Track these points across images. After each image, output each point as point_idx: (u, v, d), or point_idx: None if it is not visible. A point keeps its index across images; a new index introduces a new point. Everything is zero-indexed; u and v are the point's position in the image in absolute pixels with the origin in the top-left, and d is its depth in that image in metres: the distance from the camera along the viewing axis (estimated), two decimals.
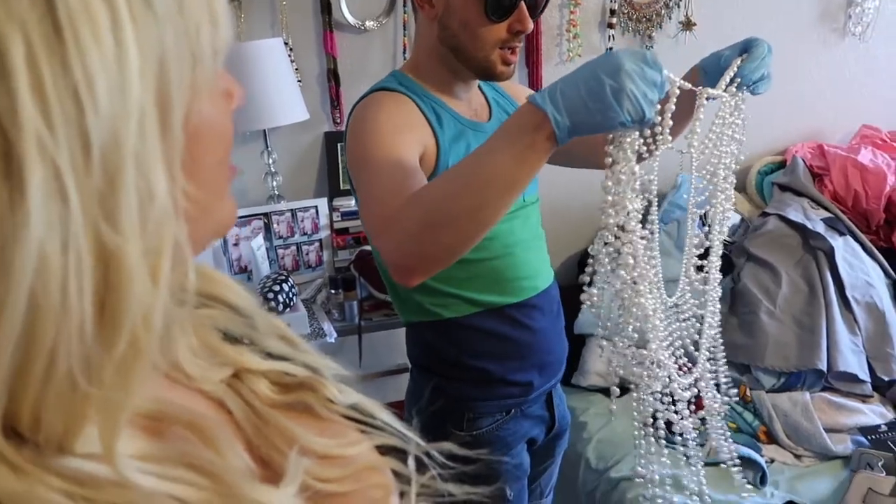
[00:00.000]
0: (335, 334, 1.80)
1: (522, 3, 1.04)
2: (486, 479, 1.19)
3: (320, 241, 2.24)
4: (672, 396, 0.94)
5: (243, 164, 2.26)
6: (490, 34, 1.05)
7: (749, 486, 1.72)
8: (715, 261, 1.00)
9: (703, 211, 1.03)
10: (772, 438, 1.91)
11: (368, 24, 2.23)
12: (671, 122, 0.80)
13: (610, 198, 0.79)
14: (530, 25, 1.06)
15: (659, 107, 0.74)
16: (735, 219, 2.36)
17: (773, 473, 1.77)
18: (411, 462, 0.44)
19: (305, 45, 2.24)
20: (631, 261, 0.82)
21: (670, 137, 0.81)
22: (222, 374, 0.41)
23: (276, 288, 1.77)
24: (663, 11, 2.43)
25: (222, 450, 0.33)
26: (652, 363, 0.90)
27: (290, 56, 2.18)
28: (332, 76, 2.26)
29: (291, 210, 2.21)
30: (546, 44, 2.37)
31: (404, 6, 2.24)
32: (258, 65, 2.00)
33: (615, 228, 0.81)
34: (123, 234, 0.25)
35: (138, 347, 0.27)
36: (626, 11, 2.41)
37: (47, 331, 0.24)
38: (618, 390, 0.92)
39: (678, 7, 2.43)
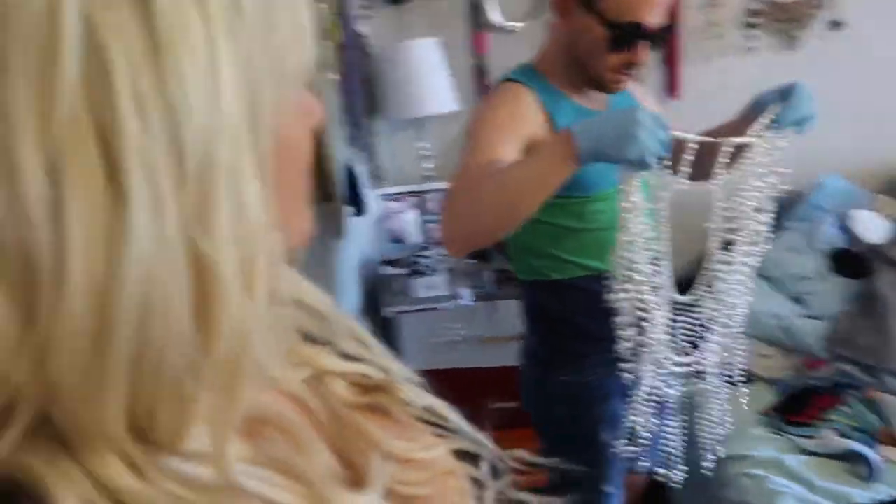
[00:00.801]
0: (472, 298, 2.05)
1: (640, 42, 1.20)
2: (587, 437, 1.34)
3: None
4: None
5: (399, 148, 2.57)
6: (608, 60, 1.22)
7: (856, 480, 1.76)
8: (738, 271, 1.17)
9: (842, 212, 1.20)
10: (893, 440, 1.92)
11: (517, 24, 2.45)
12: (689, 169, 1.04)
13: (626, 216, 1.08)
14: (644, 60, 1.22)
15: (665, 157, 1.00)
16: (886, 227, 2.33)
17: (888, 473, 1.79)
18: (485, 468, 0.45)
19: (457, 44, 2.50)
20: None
21: (686, 182, 1.06)
22: (302, 375, 0.42)
23: (423, 256, 2.04)
24: (811, 11, 2.42)
25: (311, 454, 0.34)
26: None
27: (442, 54, 2.45)
28: (479, 72, 2.51)
29: (443, 190, 2.48)
30: (686, 43, 2.46)
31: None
32: (414, 61, 2.29)
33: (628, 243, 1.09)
34: (217, 245, 0.26)
35: (237, 355, 0.27)
36: (769, 11, 2.43)
37: (156, 332, 0.25)
38: None
39: (826, 7, 2.42)
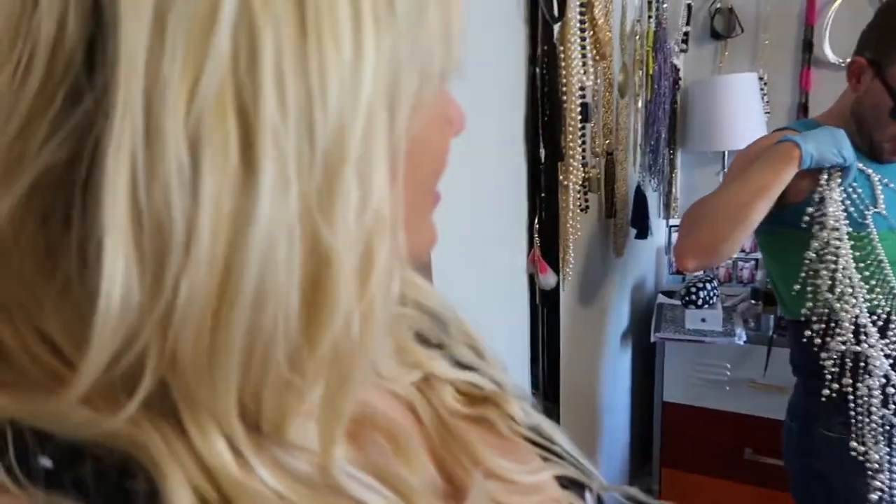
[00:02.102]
0: (745, 338, 1.97)
1: None
2: (844, 496, 1.26)
3: (756, 261, 2.39)
4: None
5: (699, 181, 2.55)
6: (889, 127, 1.21)
7: None
8: None
9: None
10: None
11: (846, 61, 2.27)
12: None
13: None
14: None
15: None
16: None
17: None
18: (590, 499, 0.42)
19: (781, 79, 2.40)
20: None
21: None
22: (412, 377, 0.41)
23: (701, 286, 2.02)
24: None
25: (413, 463, 0.33)
26: None
27: (762, 89, 2.37)
28: (803, 110, 2.37)
29: None
30: None
31: None
32: (729, 94, 2.26)
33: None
34: (336, 234, 0.25)
35: (347, 351, 0.27)
36: None
37: (267, 317, 0.25)
38: None
39: None
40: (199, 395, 0.26)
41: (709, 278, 2.06)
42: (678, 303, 2.13)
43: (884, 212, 1.25)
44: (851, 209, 1.24)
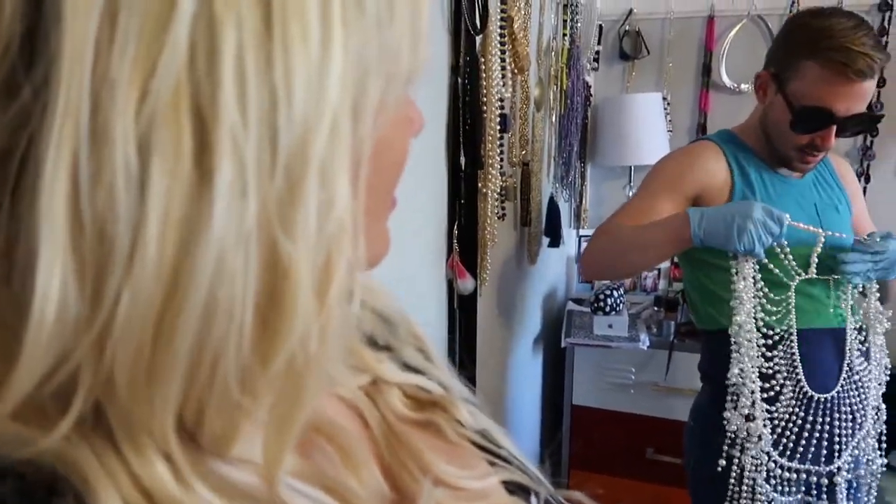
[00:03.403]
0: (648, 343, 2.08)
1: (833, 127, 1.22)
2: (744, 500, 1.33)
3: (660, 270, 2.52)
4: None
5: (607, 193, 2.68)
6: (791, 138, 1.27)
7: None
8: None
9: None
10: None
11: (743, 86, 2.45)
12: (816, 260, 1.25)
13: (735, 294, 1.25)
14: (830, 145, 1.25)
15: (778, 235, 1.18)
16: None
17: None
18: (535, 503, 0.42)
19: (682, 101, 2.56)
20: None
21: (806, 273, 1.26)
22: (360, 381, 0.40)
23: (608, 293, 2.12)
24: None
25: (361, 472, 0.33)
26: None
27: (666, 109, 2.52)
28: (701, 130, 2.54)
29: None
30: None
31: None
32: (635, 112, 2.39)
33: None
34: (296, 243, 0.24)
35: (295, 366, 0.25)
36: None
37: (216, 331, 0.23)
38: None
39: None
40: (135, 414, 0.24)
41: (615, 286, 2.16)
42: (587, 310, 2.22)
43: (813, 271, 1.26)
44: (777, 272, 1.25)
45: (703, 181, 1.33)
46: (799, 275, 1.26)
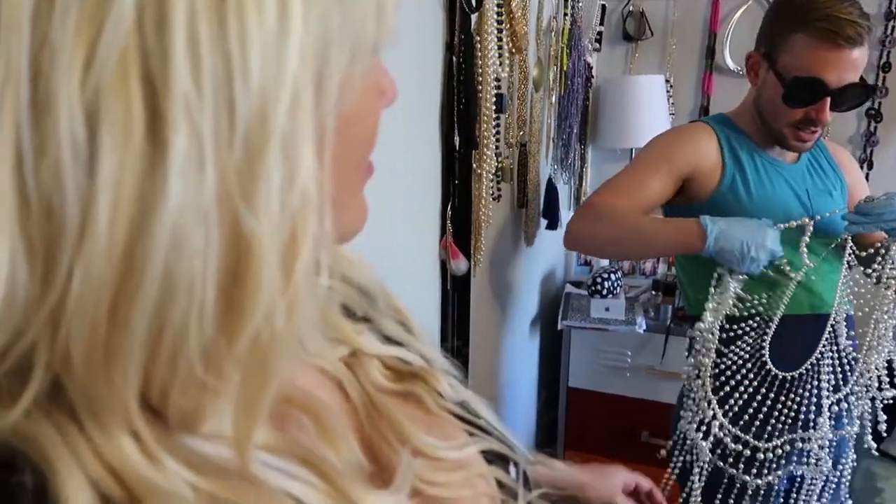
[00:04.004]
0: (645, 327, 2.08)
1: (826, 98, 1.20)
2: (729, 492, 1.33)
3: None
4: None
5: (607, 176, 2.65)
6: (785, 115, 1.26)
7: None
8: None
9: None
10: None
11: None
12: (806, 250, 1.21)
13: (710, 305, 1.25)
14: (825, 118, 1.22)
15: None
16: None
17: None
18: (513, 472, 0.42)
19: (685, 83, 2.53)
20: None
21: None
22: (340, 353, 0.40)
23: (606, 276, 2.11)
24: None
25: (338, 443, 0.32)
26: None
27: (668, 91, 2.49)
28: (704, 112, 2.51)
29: None
30: None
31: None
32: (637, 95, 2.37)
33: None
34: (259, 218, 0.23)
35: (261, 343, 0.25)
36: None
37: (176, 310, 0.23)
38: None
39: None
40: (95, 391, 0.24)
41: (613, 269, 2.15)
42: (584, 292, 2.22)
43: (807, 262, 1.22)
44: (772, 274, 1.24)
45: (694, 161, 1.32)
46: (798, 270, 1.23)
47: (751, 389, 1.26)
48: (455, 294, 1.51)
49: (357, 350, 0.41)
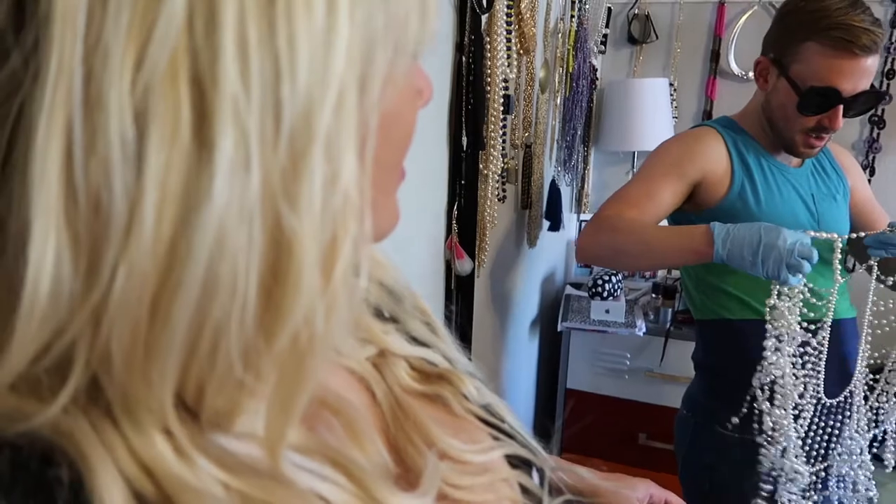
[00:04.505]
0: (645, 330, 2.08)
1: (839, 106, 1.20)
2: (728, 491, 1.31)
3: None
4: None
5: (610, 178, 2.66)
6: (797, 122, 1.25)
7: None
8: None
9: None
10: None
11: (752, 74, 2.42)
12: (839, 267, 1.17)
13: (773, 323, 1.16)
14: (838, 126, 1.22)
15: (803, 274, 1.07)
16: None
17: None
18: (536, 476, 0.42)
19: (689, 87, 2.53)
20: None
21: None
22: (367, 353, 0.40)
23: (606, 279, 2.11)
24: None
25: (365, 444, 0.33)
26: None
27: (672, 95, 2.50)
28: (707, 117, 2.52)
29: None
30: None
31: None
32: (641, 98, 2.37)
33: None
34: (301, 218, 0.23)
35: (300, 344, 0.25)
36: None
37: (217, 308, 0.23)
38: None
39: None
40: (132, 389, 0.24)
41: (614, 272, 2.16)
42: (585, 294, 2.22)
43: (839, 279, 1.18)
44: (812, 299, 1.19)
45: (705, 167, 1.31)
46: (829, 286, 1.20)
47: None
48: (459, 294, 1.51)
49: (385, 350, 0.41)
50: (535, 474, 0.42)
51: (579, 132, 2.26)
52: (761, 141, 1.35)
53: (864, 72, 1.19)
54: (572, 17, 2.11)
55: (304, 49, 0.22)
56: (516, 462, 0.42)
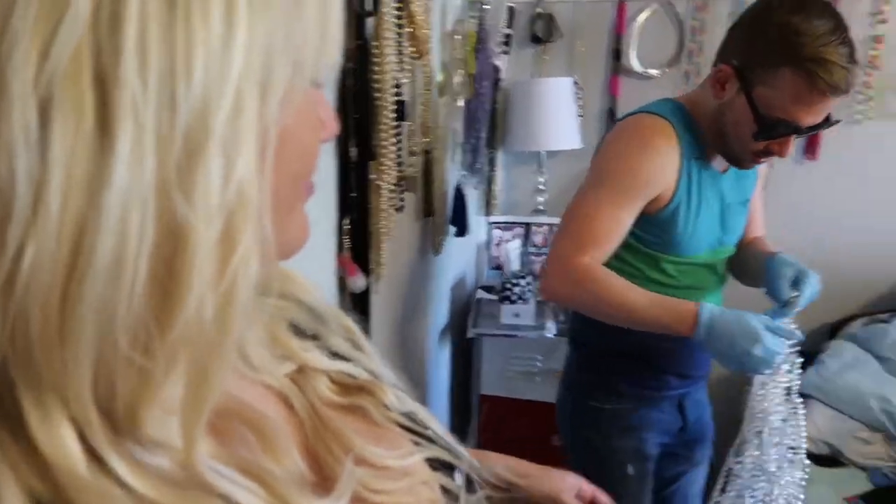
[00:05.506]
0: (555, 331, 2.07)
1: (792, 137, 1.16)
2: (607, 460, 1.37)
3: None
4: None
5: (517, 179, 2.65)
6: (750, 144, 1.19)
7: None
8: None
9: None
10: None
11: (652, 71, 2.46)
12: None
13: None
14: (787, 154, 1.19)
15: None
16: None
17: None
18: (459, 478, 0.44)
19: (593, 85, 2.54)
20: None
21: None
22: (286, 369, 0.41)
23: (515, 282, 2.09)
24: None
25: (279, 454, 0.33)
26: None
27: (577, 94, 2.50)
28: (611, 115, 2.53)
29: (550, 225, 2.52)
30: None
31: (689, 58, 2.42)
32: (547, 97, 2.36)
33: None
34: (195, 211, 0.24)
35: (196, 336, 0.25)
36: None
37: (121, 294, 0.24)
38: None
39: None
40: (47, 376, 0.24)
41: (523, 275, 2.14)
42: (496, 298, 2.19)
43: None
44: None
45: (662, 185, 1.23)
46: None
47: None
48: (355, 311, 1.45)
49: (303, 366, 0.42)
50: (458, 476, 0.44)
51: (483, 134, 2.22)
52: (705, 140, 1.26)
53: (829, 107, 1.14)
54: (472, 17, 2.07)
55: (199, 52, 0.24)
56: (437, 465, 0.43)
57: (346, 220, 1.36)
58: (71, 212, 0.23)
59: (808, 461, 1.33)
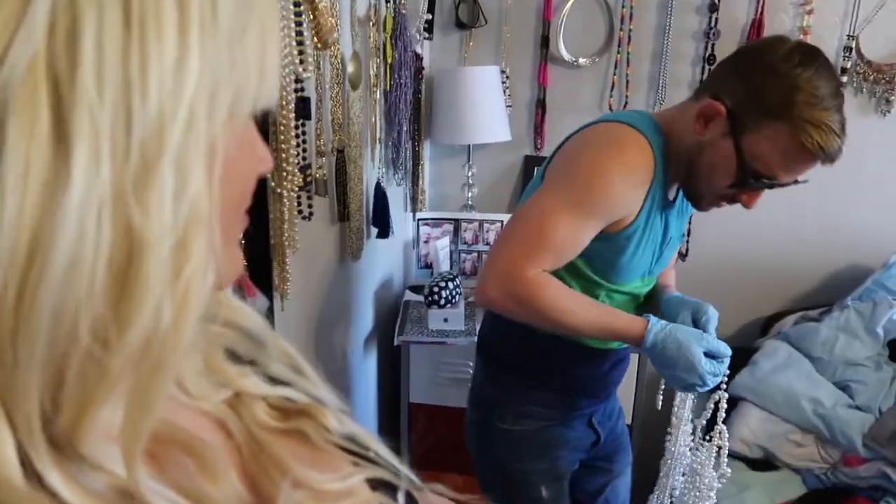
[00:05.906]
0: None
1: (763, 190, 1.11)
2: (519, 482, 1.35)
3: None
4: None
5: (445, 174, 2.53)
6: (720, 188, 1.13)
7: None
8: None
9: None
10: None
11: (581, 60, 2.37)
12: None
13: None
14: (753, 206, 1.13)
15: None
16: None
17: None
18: (401, 498, 0.44)
19: (521, 74, 2.44)
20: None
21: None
22: (223, 395, 0.41)
23: (443, 284, 1.98)
24: None
25: (217, 478, 0.33)
26: None
27: (504, 83, 2.39)
28: (540, 105, 2.43)
29: (480, 221, 2.42)
30: None
31: (618, 47, 2.34)
32: (473, 87, 2.24)
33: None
34: (150, 220, 0.25)
35: (152, 340, 0.26)
36: (861, 71, 2.25)
37: (75, 297, 0.24)
38: None
39: None
40: None
41: (451, 276, 2.03)
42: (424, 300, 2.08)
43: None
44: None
45: (631, 208, 1.15)
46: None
47: None
48: None
49: (240, 392, 0.42)
50: (400, 496, 0.44)
51: (405, 127, 2.09)
52: (675, 166, 1.17)
53: (808, 171, 1.09)
54: (388, 3, 1.93)
55: (154, 69, 0.25)
56: (378, 485, 0.43)
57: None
58: (27, 214, 0.23)
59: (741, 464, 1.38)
